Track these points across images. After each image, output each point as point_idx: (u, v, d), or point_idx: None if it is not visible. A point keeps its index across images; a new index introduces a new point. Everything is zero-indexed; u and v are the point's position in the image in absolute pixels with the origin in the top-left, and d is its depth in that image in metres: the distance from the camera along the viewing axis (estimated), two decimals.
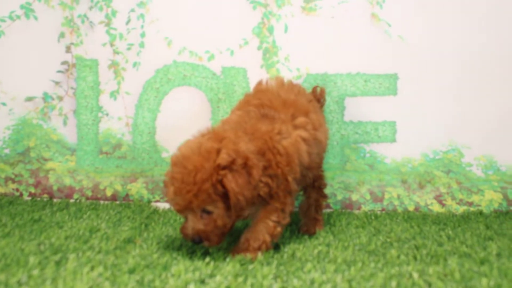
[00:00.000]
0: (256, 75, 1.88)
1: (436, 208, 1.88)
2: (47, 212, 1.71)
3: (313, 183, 1.55)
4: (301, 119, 1.35)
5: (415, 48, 1.86)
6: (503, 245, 1.38)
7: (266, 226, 1.26)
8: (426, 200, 1.88)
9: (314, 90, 1.68)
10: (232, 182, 1.15)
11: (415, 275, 1.09)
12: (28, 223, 1.55)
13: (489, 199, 1.87)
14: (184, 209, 1.20)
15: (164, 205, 1.91)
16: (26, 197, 1.95)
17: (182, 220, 1.66)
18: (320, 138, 1.42)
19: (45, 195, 1.95)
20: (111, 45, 1.91)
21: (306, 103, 1.45)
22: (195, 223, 1.20)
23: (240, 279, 1.03)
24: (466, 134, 1.87)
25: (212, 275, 1.07)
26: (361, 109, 1.88)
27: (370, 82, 1.88)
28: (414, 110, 1.87)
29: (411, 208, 1.88)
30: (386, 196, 1.89)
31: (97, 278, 1.02)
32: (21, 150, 1.95)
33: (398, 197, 1.89)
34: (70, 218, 1.62)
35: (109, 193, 1.94)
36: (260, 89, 1.47)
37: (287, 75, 1.88)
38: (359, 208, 1.90)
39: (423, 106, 1.87)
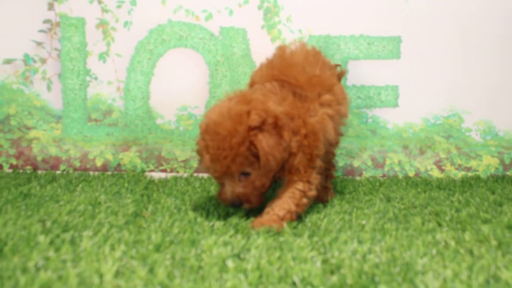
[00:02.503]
0: (257, 36, 1.78)
1: (436, 173, 1.87)
2: (34, 185, 1.58)
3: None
4: (326, 97, 1.31)
5: (418, 11, 1.80)
6: None
7: (292, 196, 1.21)
8: (426, 165, 1.87)
9: (334, 67, 1.58)
10: (263, 142, 1.15)
11: (452, 243, 1.06)
12: (19, 197, 1.42)
13: (486, 164, 1.87)
14: (222, 175, 1.20)
15: (160, 175, 1.81)
16: (7, 169, 1.81)
17: (184, 189, 1.57)
18: (344, 111, 1.39)
19: (28, 167, 1.81)
20: (99, 2, 1.76)
21: (330, 77, 1.39)
22: (234, 187, 1.21)
23: (277, 253, 0.97)
24: (466, 99, 1.85)
25: (245, 249, 1.00)
26: (364, 73, 1.82)
27: (374, 45, 1.81)
28: (416, 74, 1.83)
29: (411, 174, 1.86)
30: (387, 162, 1.86)
31: (122, 258, 0.93)
32: (0, 118, 1.79)
33: (399, 162, 1.86)
34: (63, 191, 1.51)
35: (99, 163, 1.82)
36: (284, 59, 1.37)
37: (289, 37, 1.79)
38: (360, 175, 1.86)
39: (425, 70, 1.83)
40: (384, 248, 1.01)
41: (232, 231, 1.12)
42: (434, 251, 1.01)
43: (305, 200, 1.23)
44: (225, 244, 1.02)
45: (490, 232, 1.12)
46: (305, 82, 1.30)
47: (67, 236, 1.05)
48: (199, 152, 1.23)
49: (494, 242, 1.06)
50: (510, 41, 1.83)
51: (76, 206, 1.32)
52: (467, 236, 1.10)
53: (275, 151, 1.17)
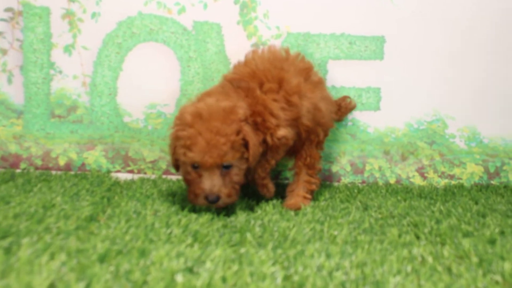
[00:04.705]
0: (232, 32, 1.69)
1: (418, 181, 1.78)
2: None
3: (304, 159, 1.45)
4: (268, 85, 1.33)
5: (404, 11, 1.71)
6: (499, 222, 1.29)
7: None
8: (408, 172, 1.78)
9: (343, 99, 1.67)
10: (251, 133, 1.23)
11: (429, 259, 0.97)
12: None
13: (470, 172, 1.79)
14: (214, 164, 1.19)
15: (126, 176, 1.71)
16: None
17: (149, 192, 1.47)
18: (295, 102, 1.34)
19: None
20: None
21: (280, 72, 1.36)
22: (214, 180, 1.21)
23: (235, 267, 0.87)
24: (451, 103, 1.77)
25: (200, 261, 0.90)
26: (345, 74, 1.73)
27: (356, 44, 1.73)
28: (400, 77, 1.74)
29: (392, 180, 1.78)
30: (367, 167, 1.77)
31: (60, 269, 0.83)
32: None
33: (380, 169, 1.77)
34: (17, 192, 1.40)
35: (62, 162, 1.71)
36: (238, 64, 1.44)
37: (266, 34, 1.69)
38: (338, 180, 1.77)
39: (409, 72, 1.75)
40: (354, 263, 0.92)
41: (190, 240, 1.03)
42: (409, 268, 0.92)
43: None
44: (178, 255, 0.92)
45: (471, 247, 1.03)
46: (247, 75, 1.34)
47: (4, 243, 0.94)
48: (188, 139, 1.19)
49: (474, 259, 0.98)
50: (497, 45, 1.75)
51: (27, 208, 1.22)
52: (446, 251, 1.01)
53: (258, 144, 1.25)
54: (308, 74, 1.45)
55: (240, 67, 1.41)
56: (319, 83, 1.49)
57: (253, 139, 1.23)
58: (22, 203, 1.26)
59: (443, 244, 1.09)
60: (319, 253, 0.97)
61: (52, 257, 0.88)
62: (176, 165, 1.29)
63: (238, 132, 1.20)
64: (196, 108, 1.21)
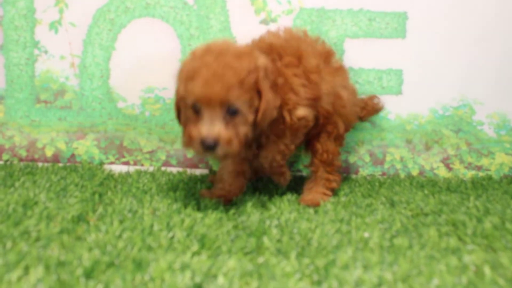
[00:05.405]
0: (238, 6, 1.51)
1: (442, 172, 1.62)
2: None
3: (321, 155, 1.31)
4: (287, 58, 1.18)
5: None
6: None
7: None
8: (432, 163, 1.61)
9: (371, 98, 1.52)
10: (267, 87, 1.06)
11: (486, 269, 0.80)
12: None
13: (499, 162, 1.63)
14: (217, 98, 1.00)
15: (121, 168, 1.54)
16: None
17: (147, 186, 1.30)
18: (315, 79, 1.20)
19: None
20: None
21: (299, 49, 1.22)
22: (216, 123, 1.02)
23: (254, 283, 0.70)
24: (479, 87, 1.60)
25: (210, 275, 0.73)
26: (364, 54, 1.56)
27: (375, 21, 1.55)
28: (424, 57, 1.57)
29: (414, 172, 1.61)
30: (388, 158, 1.60)
31: None
32: None
33: (401, 159, 1.60)
34: None
35: (49, 153, 1.54)
36: (251, 43, 1.27)
37: (276, 9, 1.52)
38: (356, 172, 1.61)
39: (434, 53, 1.57)
40: (398, 276, 0.76)
41: (196, 246, 0.86)
42: (464, 280, 0.75)
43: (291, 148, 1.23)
44: (184, 267, 0.75)
45: None
46: (266, 48, 1.19)
47: None
48: (192, 70, 1.02)
49: None
50: None
51: (4, 207, 1.05)
52: (503, 258, 0.85)
53: (273, 105, 1.08)
54: (328, 58, 1.31)
55: (254, 44, 1.25)
56: (340, 70, 1.35)
57: (268, 94, 1.05)
58: (0, 201, 1.09)
59: (493, 249, 0.92)
60: (354, 262, 0.80)
61: (26, 271, 0.71)
62: (179, 113, 1.11)
63: (250, 72, 1.03)
64: (210, 44, 1.07)
